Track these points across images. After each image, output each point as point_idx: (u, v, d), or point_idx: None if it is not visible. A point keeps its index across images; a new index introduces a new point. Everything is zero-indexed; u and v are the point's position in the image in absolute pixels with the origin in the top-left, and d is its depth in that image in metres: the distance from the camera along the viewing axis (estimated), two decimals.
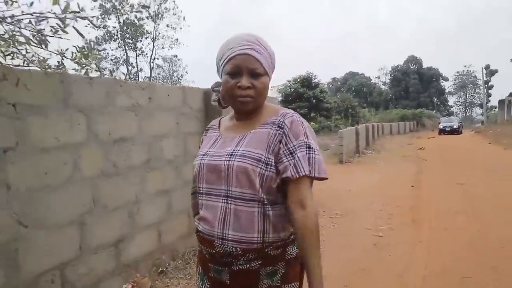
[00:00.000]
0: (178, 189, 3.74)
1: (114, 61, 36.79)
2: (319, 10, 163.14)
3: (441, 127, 32.89)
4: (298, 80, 31.74)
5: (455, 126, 32.32)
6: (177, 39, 37.59)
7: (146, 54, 37.75)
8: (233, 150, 1.30)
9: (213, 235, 1.29)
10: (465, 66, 78.00)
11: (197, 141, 4.03)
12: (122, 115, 3.11)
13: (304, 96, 29.90)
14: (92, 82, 2.84)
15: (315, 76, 32.45)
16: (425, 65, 66.31)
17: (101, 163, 2.91)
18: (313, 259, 1.24)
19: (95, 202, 2.86)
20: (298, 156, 1.25)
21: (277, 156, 1.27)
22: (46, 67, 2.42)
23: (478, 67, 76.49)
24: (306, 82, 31.29)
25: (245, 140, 1.32)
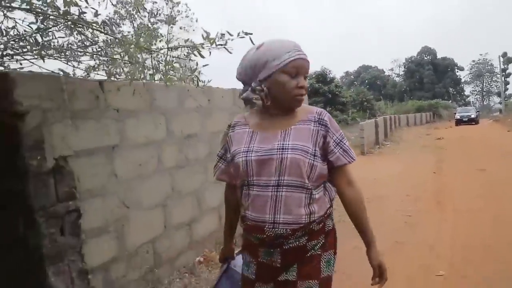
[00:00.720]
0: None
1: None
2: (329, 3, 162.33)
3: (458, 117, 31.26)
4: (313, 75, 32.13)
5: (472, 116, 30.62)
6: (191, 41, 38.40)
7: (159, 50, 38.62)
8: (283, 144, 1.44)
9: (264, 221, 1.44)
10: (481, 54, 77.23)
11: None
12: (189, 115, 3.68)
13: (320, 91, 30.26)
14: (168, 88, 3.41)
15: (329, 71, 32.79)
16: (439, 55, 65.75)
17: (176, 156, 3.48)
18: (366, 222, 1.57)
19: (173, 189, 3.44)
20: (345, 146, 1.51)
21: (323, 148, 1.48)
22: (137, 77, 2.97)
23: (495, 55, 75.18)
24: (321, 77, 31.63)
25: (290, 135, 1.47)
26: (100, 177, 2.69)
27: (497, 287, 3.06)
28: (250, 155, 1.46)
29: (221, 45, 2.36)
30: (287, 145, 1.44)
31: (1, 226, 2.16)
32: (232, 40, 2.37)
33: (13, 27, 2.33)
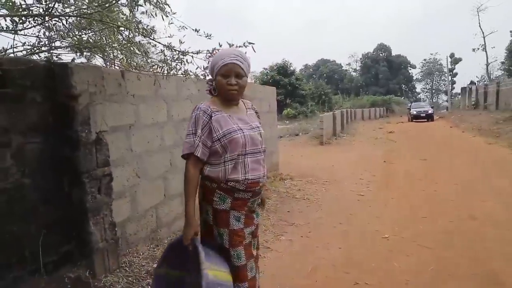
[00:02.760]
0: None
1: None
2: None
3: (414, 112, 28.53)
4: (274, 67, 33.00)
5: (430, 111, 28.13)
6: (153, 27, 37.86)
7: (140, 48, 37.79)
8: (255, 124, 2.14)
9: (260, 176, 2.09)
10: (431, 54, 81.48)
11: None
12: (184, 102, 4.30)
13: (280, 83, 31.23)
14: (169, 79, 4.01)
15: (290, 64, 33.80)
16: (394, 53, 68.89)
17: (174, 136, 4.10)
18: None
19: (171, 164, 4.06)
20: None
21: None
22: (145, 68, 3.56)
23: (444, 55, 79.78)
24: (282, 69, 32.59)
25: (251, 117, 2.16)
26: (120, 150, 3.29)
27: (426, 243, 3.96)
28: (245, 132, 2.03)
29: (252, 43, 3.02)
30: (256, 124, 2.15)
31: (50, 184, 2.71)
32: (238, 47, 3.04)
33: (55, 24, 2.85)
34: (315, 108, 31.60)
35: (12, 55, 2.73)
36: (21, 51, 2.83)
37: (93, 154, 2.76)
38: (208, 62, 2.17)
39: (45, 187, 2.65)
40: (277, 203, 5.53)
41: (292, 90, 32.05)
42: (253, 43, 3.00)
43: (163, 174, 3.94)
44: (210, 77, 2.16)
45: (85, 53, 3.06)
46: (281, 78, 31.56)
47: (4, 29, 2.44)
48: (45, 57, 2.88)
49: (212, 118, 2.00)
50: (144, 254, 3.43)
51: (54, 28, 2.78)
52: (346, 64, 75.31)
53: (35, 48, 2.76)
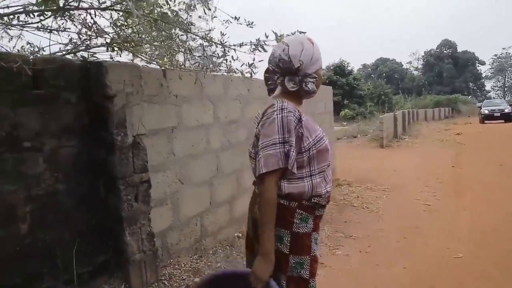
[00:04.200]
0: None
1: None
2: None
3: (486, 112, 23.64)
4: (331, 67, 32.20)
5: (506, 110, 23.09)
6: (209, 31, 38.66)
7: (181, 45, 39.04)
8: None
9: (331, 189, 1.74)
10: (503, 48, 75.46)
11: None
12: (232, 103, 4.03)
13: (338, 83, 30.37)
14: (215, 78, 3.76)
15: (348, 63, 32.81)
16: (460, 49, 64.71)
17: (221, 139, 3.85)
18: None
19: (218, 168, 3.81)
20: None
21: None
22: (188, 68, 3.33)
23: None
24: (339, 69, 31.71)
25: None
26: (162, 155, 3.08)
27: (506, 265, 3.35)
28: (326, 138, 1.68)
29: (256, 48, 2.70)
30: None
31: (85, 190, 2.55)
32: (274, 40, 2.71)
33: (94, 23, 2.70)
34: (374, 109, 30.32)
35: (47, 54, 2.60)
36: (61, 51, 2.71)
37: (129, 159, 2.56)
38: (287, 54, 1.62)
39: (79, 192, 2.49)
40: (332, 211, 5.10)
41: (349, 91, 31.06)
42: (305, 32, 2.64)
43: (209, 179, 3.69)
44: (309, 70, 1.64)
45: (125, 52, 2.88)
46: (338, 79, 30.69)
47: (40, 28, 2.29)
48: (81, 56, 2.73)
49: (302, 122, 1.58)
50: (186, 266, 3.19)
51: (92, 26, 2.62)
52: (407, 63, 72.14)
53: (68, 46, 2.61)
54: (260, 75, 4.39)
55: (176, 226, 3.27)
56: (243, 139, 4.21)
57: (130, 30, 2.69)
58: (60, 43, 2.70)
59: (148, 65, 3.18)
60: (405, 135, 16.17)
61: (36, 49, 2.60)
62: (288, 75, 1.64)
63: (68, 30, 2.70)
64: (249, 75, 3.39)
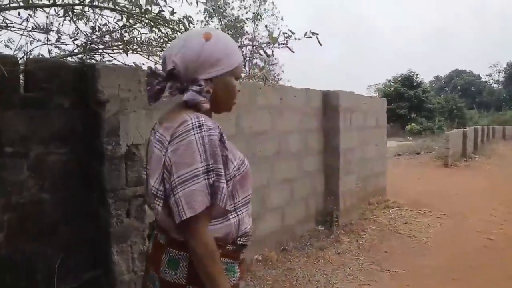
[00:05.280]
0: (299, 179, 4.27)
1: None
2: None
3: None
4: (399, 79, 30.66)
5: None
6: (278, 37, 38.70)
7: (246, 54, 39.52)
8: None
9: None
10: None
11: (316, 138, 4.53)
12: (259, 113, 3.71)
13: (405, 96, 28.80)
14: (240, 85, 3.46)
15: (417, 75, 31.03)
16: None
17: (244, 152, 3.52)
18: None
19: None
20: None
21: None
22: None
23: None
24: (407, 81, 30.09)
25: None
26: None
27: None
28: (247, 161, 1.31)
29: (283, 44, 2.34)
30: None
31: (75, 201, 2.36)
32: (298, 39, 2.34)
33: (105, 24, 2.54)
34: (444, 124, 28.26)
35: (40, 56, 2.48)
36: (65, 55, 2.58)
37: (121, 170, 2.33)
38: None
39: (68, 203, 2.31)
40: (373, 238, 4.55)
41: (418, 104, 29.28)
42: (317, 34, 2.25)
43: None
44: (204, 75, 1.20)
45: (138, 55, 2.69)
46: (405, 91, 29.09)
47: (36, 28, 2.16)
48: (79, 58, 2.58)
49: (225, 142, 1.18)
50: None
51: (95, 26, 2.46)
52: (486, 75, 66.73)
53: (68, 47, 2.46)
54: (295, 83, 4.04)
55: None
56: (271, 153, 3.87)
57: (137, 32, 2.51)
58: (53, 43, 2.56)
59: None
60: (476, 154, 14.70)
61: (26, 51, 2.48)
62: (171, 80, 1.20)
63: (70, 34, 2.55)
64: (277, 82, 3.05)
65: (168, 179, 1.13)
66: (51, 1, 2.12)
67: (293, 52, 2.42)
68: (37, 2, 2.15)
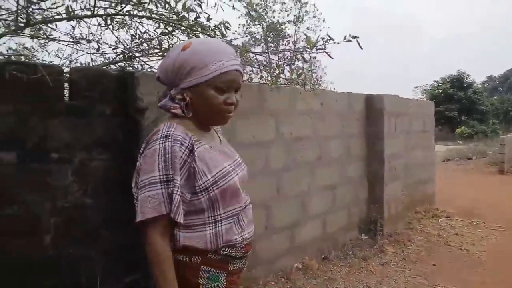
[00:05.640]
0: (341, 186, 4.14)
1: (258, 64, 39.33)
2: None
3: None
4: (447, 80, 29.33)
5: None
6: (316, 42, 38.29)
7: (288, 57, 39.40)
8: (239, 157, 1.42)
9: (252, 233, 1.39)
10: None
11: (359, 143, 4.38)
12: (300, 118, 3.64)
13: (454, 97, 27.48)
14: (279, 90, 3.42)
15: (467, 75, 29.52)
16: None
17: (284, 158, 3.48)
18: None
19: (278, 190, 3.44)
20: None
21: None
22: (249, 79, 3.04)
23: None
24: (457, 82, 28.70)
25: (229, 147, 1.44)
26: None
27: None
28: (238, 172, 1.33)
29: (321, 49, 2.26)
30: (240, 159, 1.42)
31: (116, 206, 2.40)
32: (338, 43, 2.26)
33: (144, 32, 2.58)
34: (499, 127, 26.65)
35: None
36: (107, 63, 2.65)
37: None
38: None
39: (108, 209, 2.36)
40: (420, 249, 4.32)
41: (468, 106, 27.83)
42: (357, 37, 2.15)
43: (266, 201, 3.34)
44: (181, 85, 1.25)
45: None
46: (455, 92, 27.75)
47: (81, 38, 2.24)
48: (120, 66, 2.64)
49: (195, 153, 1.20)
50: None
51: (134, 34, 2.51)
52: None
53: (110, 55, 2.52)
54: (338, 85, 3.93)
55: None
56: (312, 159, 3.78)
57: (175, 39, 2.53)
58: (95, 53, 2.63)
59: None
60: None
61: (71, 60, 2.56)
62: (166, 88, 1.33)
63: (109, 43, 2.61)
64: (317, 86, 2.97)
65: (136, 182, 1.22)
66: (93, 12, 2.17)
67: (331, 58, 2.35)
68: (79, 13, 2.22)
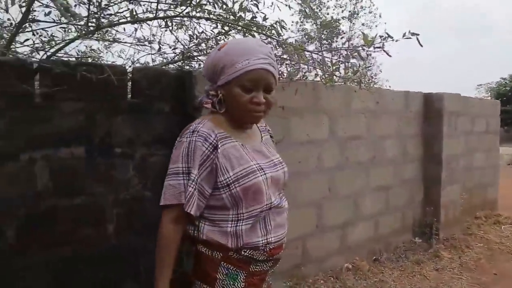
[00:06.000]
0: (395, 187, 4.03)
1: (312, 62, 38.75)
2: None
3: None
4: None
5: None
6: (374, 40, 36.91)
7: (344, 54, 38.29)
8: (278, 158, 1.42)
9: (284, 236, 1.41)
10: None
11: (415, 143, 4.23)
12: (354, 117, 3.58)
13: None
14: (334, 89, 3.37)
15: None
16: None
17: (337, 157, 3.44)
18: None
19: (330, 189, 3.41)
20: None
21: None
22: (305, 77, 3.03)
23: None
24: None
25: (270, 147, 1.43)
26: None
27: None
28: (267, 173, 1.31)
29: (379, 47, 2.20)
30: (279, 159, 1.41)
31: None
32: (396, 41, 2.19)
33: (201, 33, 2.67)
34: None
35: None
36: (166, 63, 2.76)
37: None
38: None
39: None
40: (480, 257, 4.09)
41: None
42: (418, 34, 2.06)
43: (318, 200, 3.33)
44: (217, 83, 1.32)
45: None
46: None
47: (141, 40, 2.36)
48: (178, 66, 2.73)
49: (219, 150, 1.25)
50: None
51: (192, 35, 2.59)
52: None
53: (169, 55, 2.63)
54: (393, 83, 3.83)
55: None
56: (366, 159, 3.70)
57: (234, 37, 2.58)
58: (156, 53, 2.75)
59: None
60: None
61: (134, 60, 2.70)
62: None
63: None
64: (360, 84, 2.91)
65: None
66: (155, 14, 2.28)
67: (389, 56, 2.28)
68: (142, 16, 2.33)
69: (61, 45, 2.30)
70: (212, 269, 1.28)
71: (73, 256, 2.18)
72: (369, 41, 2.22)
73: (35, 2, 2.12)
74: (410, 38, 2.10)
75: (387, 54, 2.26)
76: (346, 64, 3.16)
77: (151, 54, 2.67)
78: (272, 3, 2.34)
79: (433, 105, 4.35)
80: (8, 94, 1.96)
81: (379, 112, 3.80)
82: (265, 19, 2.36)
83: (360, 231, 3.70)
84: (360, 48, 2.37)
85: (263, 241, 1.30)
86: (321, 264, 3.40)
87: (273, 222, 1.34)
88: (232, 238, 1.26)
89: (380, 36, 2.24)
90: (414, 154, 4.27)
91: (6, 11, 1.80)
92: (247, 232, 1.27)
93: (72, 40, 2.13)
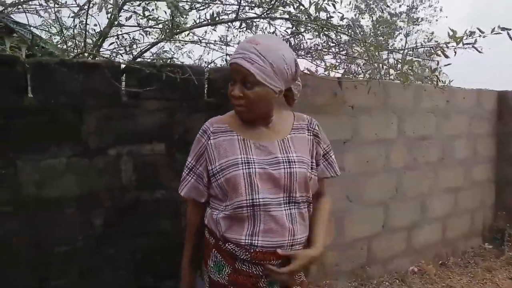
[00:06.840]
0: (465, 189, 3.86)
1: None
2: None
3: None
4: None
5: None
6: (432, 33, 35.22)
7: (399, 50, 36.89)
8: (288, 157, 1.29)
9: (279, 244, 1.25)
10: None
11: (487, 144, 4.03)
12: (424, 116, 3.46)
13: None
14: (404, 87, 3.28)
15: None
16: None
17: (405, 157, 3.35)
18: (324, 230, 1.40)
19: (397, 189, 3.33)
20: (331, 159, 1.46)
21: (313, 159, 1.40)
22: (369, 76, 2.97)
23: None
24: None
25: (291, 145, 1.32)
26: None
27: None
28: (256, 168, 1.25)
29: (469, 44, 2.09)
30: (293, 158, 1.30)
31: None
32: (484, 37, 2.07)
33: (273, 32, 2.69)
34: None
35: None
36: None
37: None
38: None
39: None
40: None
41: None
42: (509, 29, 1.94)
43: (385, 200, 3.27)
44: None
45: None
46: None
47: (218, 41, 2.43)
48: None
49: (210, 141, 1.34)
50: None
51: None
52: None
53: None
54: (458, 82, 3.65)
55: (338, 245, 3.01)
56: (434, 159, 3.57)
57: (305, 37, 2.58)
58: (229, 54, 2.80)
59: (325, 73, 2.99)
60: None
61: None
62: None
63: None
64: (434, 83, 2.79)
65: None
66: (236, 16, 2.33)
67: (481, 52, 2.16)
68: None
69: (145, 47, 2.43)
70: (207, 254, 1.37)
71: (152, 247, 2.31)
72: (459, 38, 2.12)
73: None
74: (500, 33, 1.98)
75: (478, 50, 2.15)
76: (420, 62, 3.04)
77: (226, 54, 2.73)
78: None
79: (508, 103, 4.10)
80: (99, 93, 2.11)
81: (449, 111, 3.64)
82: (342, 18, 2.34)
83: (426, 234, 3.59)
84: (445, 45, 2.27)
85: (246, 241, 1.25)
86: (386, 265, 3.34)
87: (264, 226, 1.25)
88: (216, 225, 1.32)
89: (471, 32, 2.11)
90: (485, 155, 4.05)
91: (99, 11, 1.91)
92: (226, 222, 1.28)
93: (156, 43, 2.24)
